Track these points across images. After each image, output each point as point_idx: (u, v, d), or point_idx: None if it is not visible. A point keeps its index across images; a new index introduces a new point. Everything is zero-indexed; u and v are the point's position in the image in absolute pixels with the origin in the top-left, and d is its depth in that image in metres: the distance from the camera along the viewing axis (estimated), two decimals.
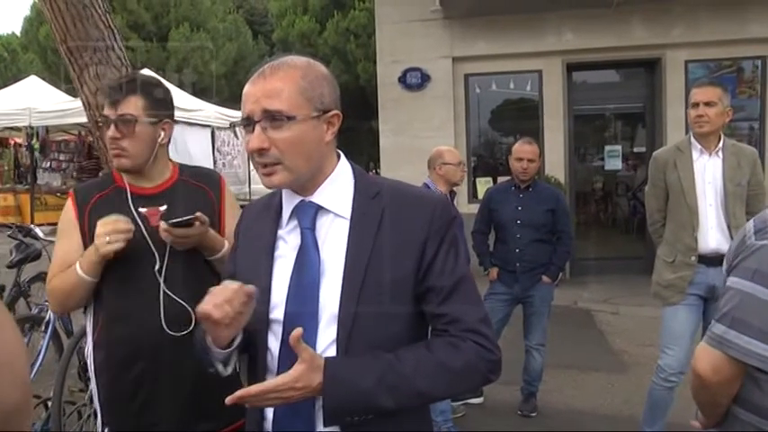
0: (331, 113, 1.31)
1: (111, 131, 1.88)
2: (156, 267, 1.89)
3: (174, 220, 1.84)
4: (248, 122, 1.27)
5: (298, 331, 1.16)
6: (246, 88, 1.29)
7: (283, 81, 1.26)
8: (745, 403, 1.47)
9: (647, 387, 3.45)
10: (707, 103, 3.13)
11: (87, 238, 1.90)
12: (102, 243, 1.79)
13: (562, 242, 4.01)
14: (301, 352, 1.17)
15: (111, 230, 1.79)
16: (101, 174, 2.50)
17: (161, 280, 1.87)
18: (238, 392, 1.19)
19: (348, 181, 1.36)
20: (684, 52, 7.74)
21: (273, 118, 1.24)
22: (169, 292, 1.88)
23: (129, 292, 1.89)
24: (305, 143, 1.27)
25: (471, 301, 1.32)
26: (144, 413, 1.89)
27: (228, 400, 1.19)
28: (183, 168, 2.07)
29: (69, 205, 1.98)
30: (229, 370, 1.32)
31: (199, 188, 2.04)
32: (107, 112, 1.90)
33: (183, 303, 1.87)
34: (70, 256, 1.91)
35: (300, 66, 1.29)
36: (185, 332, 1.83)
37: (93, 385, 1.99)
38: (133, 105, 1.89)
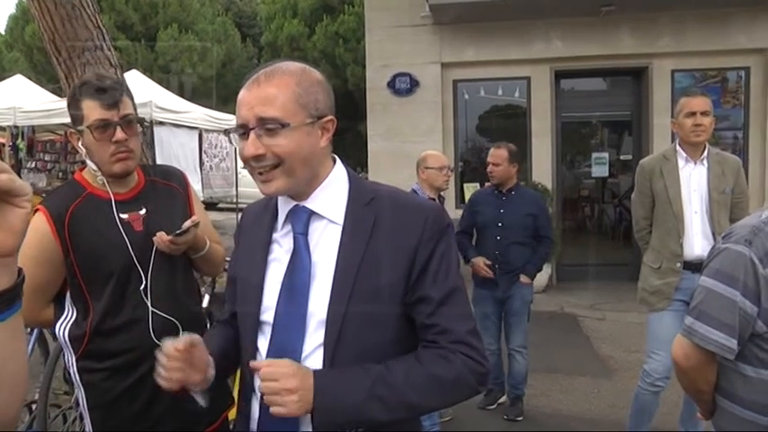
0: (326, 119, 1.30)
1: (119, 134, 1.80)
2: (142, 287, 1.85)
3: (178, 231, 1.85)
4: (243, 129, 1.26)
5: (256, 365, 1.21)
6: (241, 95, 1.27)
7: (278, 88, 1.25)
8: (721, 391, 1.64)
9: (632, 392, 3.49)
10: (703, 113, 3.19)
11: (71, 254, 1.80)
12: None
13: (543, 245, 4.08)
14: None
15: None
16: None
17: (148, 302, 1.85)
18: (260, 362, 1.22)
19: (342, 187, 1.35)
20: (671, 62, 7.83)
21: (268, 125, 1.23)
22: (156, 310, 1.86)
23: (121, 305, 1.85)
24: (300, 149, 1.26)
25: (461, 313, 1.31)
26: (142, 417, 1.86)
27: (253, 364, 1.23)
28: (146, 169, 2.03)
29: (43, 222, 1.79)
30: (207, 400, 1.36)
31: (169, 187, 2.02)
32: (105, 115, 1.80)
33: (170, 318, 1.88)
34: (51, 286, 1.82)
35: (295, 72, 1.28)
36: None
37: (78, 392, 1.91)
38: (128, 106, 1.86)
